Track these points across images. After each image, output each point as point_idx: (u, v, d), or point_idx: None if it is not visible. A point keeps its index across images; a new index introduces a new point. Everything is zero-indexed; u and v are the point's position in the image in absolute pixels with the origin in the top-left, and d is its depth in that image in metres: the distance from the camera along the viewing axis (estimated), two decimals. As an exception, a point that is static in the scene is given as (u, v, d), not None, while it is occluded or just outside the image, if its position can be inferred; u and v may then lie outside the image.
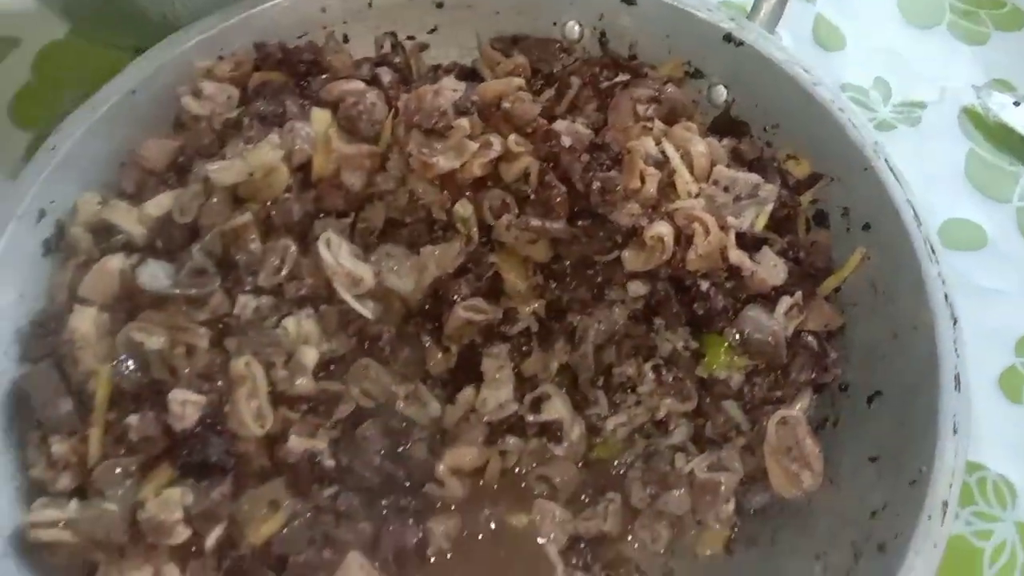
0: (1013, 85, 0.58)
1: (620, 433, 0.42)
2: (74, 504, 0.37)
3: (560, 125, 0.43)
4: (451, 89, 0.42)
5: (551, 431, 0.42)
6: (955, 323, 0.36)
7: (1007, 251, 0.52)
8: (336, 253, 0.40)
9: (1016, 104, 0.56)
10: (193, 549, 0.37)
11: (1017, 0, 0.63)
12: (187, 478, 0.37)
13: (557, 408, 0.42)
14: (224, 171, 0.39)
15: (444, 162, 0.39)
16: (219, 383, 0.39)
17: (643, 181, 0.40)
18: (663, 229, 0.38)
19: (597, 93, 0.47)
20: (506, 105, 0.43)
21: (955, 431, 0.34)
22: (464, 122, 0.40)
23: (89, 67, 0.60)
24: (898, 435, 0.36)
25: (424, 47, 0.51)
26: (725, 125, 0.46)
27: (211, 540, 0.37)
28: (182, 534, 0.36)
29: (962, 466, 0.34)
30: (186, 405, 0.37)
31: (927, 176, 0.53)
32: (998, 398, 0.47)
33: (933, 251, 0.37)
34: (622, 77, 0.46)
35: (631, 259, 0.40)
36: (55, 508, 0.37)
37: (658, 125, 0.43)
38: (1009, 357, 0.48)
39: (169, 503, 0.36)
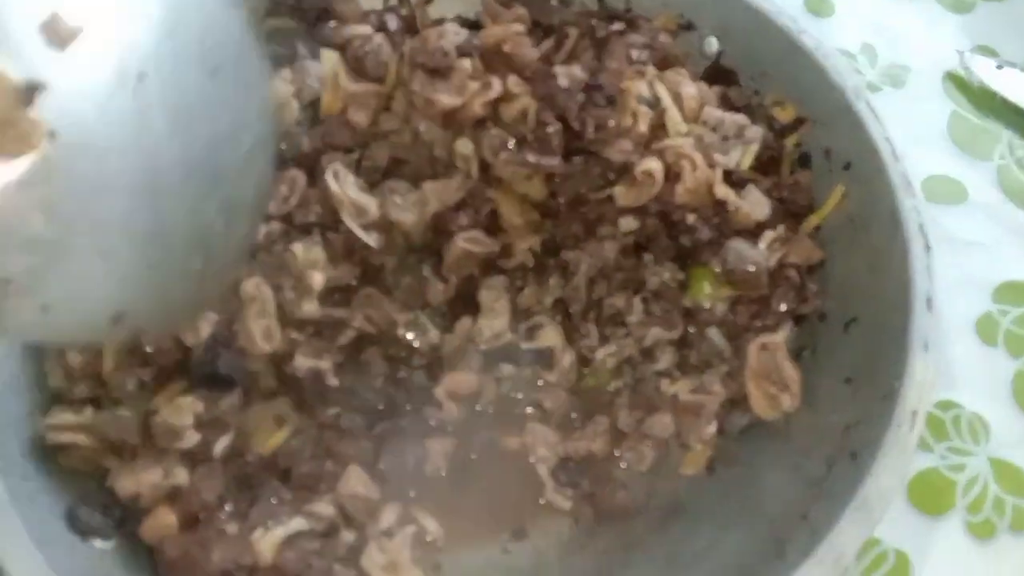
0: (996, 51, 0.60)
1: (609, 363, 0.44)
2: (90, 410, 0.39)
3: (559, 68, 0.45)
4: (454, 32, 0.44)
5: (544, 359, 0.44)
6: (928, 250, 0.38)
7: (986, 205, 0.54)
8: (343, 184, 0.42)
9: (999, 68, 0.58)
10: (202, 456, 0.39)
11: (1003, -28, 0.65)
12: (198, 389, 0.39)
13: (550, 337, 0.44)
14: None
15: (446, 99, 0.41)
16: (230, 303, 0.41)
17: (635, 119, 0.42)
18: (653, 165, 0.40)
19: (594, 42, 0.49)
20: (506, 48, 0.45)
21: (926, 348, 0.36)
22: (466, 62, 0.42)
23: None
24: (872, 356, 0.38)
25: (429, 1, 0.53)
26: (715, 74, 0.48)
27: (219, 447, 0.39)
28: (192, 439, 0.38)
29: (932, 381, 0.36)
30: (198, 321, 0.39)
31: (911, 136, 0.54)
32: (975, 342, 0.49)
33: (909, 184, 0.39)
34: (617, 26, 0.48)
35: (622, 194, 0.42)
36: (72, 413, 0.39)
37: (651, 70, 0.45)
38: (986, 304, 0.50)
39: (181, 410, 0.38)
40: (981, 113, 0.57)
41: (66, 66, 0.24)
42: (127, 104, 0.25)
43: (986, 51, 0.60)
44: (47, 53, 0.23)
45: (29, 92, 0.22)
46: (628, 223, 0.42)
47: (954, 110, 0.57)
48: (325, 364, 0.41)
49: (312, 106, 0.44)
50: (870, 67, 0.59)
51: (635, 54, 0.45)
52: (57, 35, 0.23)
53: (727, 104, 0.46)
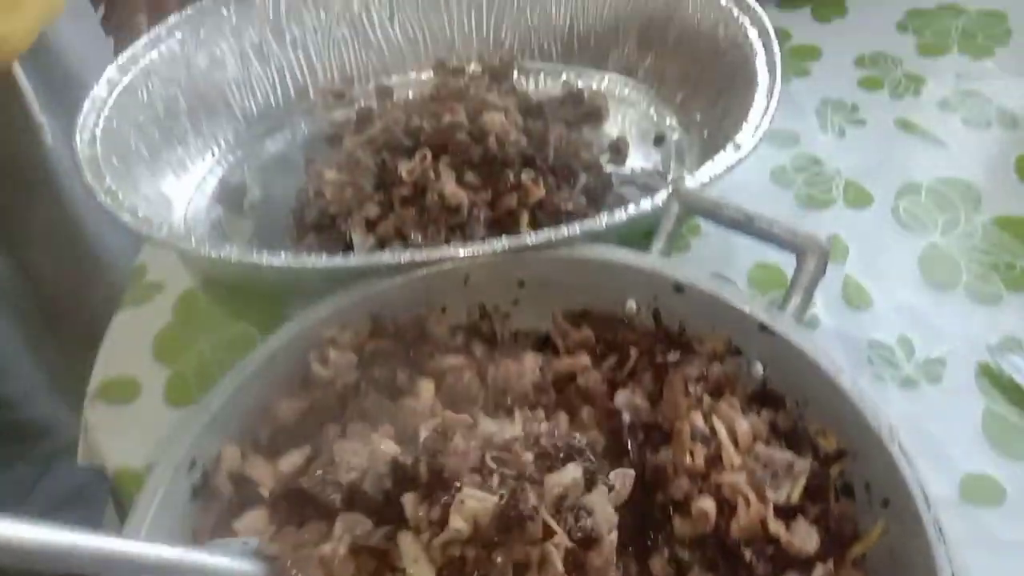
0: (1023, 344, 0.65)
1: None
2: None
3: (620, 400, 0.52)
4: (531, 370, 0.51)
5: None
6: (960, 602, 0.42)
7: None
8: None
9: (1027, 364, 0.63)
10: None
11: (1026, 264, 0.71)
12: None
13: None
14: (349, 454, 0.48)
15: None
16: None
17: (692, 456, 0.48)
18: (707, 504, 0.46)
19: (652, 364, 0.56)
20: (579, 381, 0.52)
21: None
22: (540, 414, 0.49)
23: (220, 311, 0.72)
24: None
25: (507, 316, 0.61)
26: (763, 397, 0.54)
27: None
28: None
29: None
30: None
31: (948, 432, 0.60)
32: (1018, 649, 0.52)
33: (940, 532, 0.44)
34: (673, 356, 0.55)
35: (680, 526, 0.47)
36: None
37: (706, 399, 0.52)
38: (1028, 609, 0.53)
39: None
40: (1013, 409, 0.62)
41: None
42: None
43: (1014, 343, 0.65)
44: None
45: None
46: (684, 553, 0.47)
47: (987, 406, 0.62)
48: None
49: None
50: (907, 361, 0.65)
51: (691, 388, 0.52)
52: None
53: (774, 430, 0.52)
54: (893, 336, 0.66)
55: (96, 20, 0.97)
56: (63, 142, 0.85)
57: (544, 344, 0.59)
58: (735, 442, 0.49)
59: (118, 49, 0.80)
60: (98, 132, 0.70)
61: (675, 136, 0.82)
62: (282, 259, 0.59)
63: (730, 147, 0.66)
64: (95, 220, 0.93)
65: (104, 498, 1.05)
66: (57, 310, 0.94)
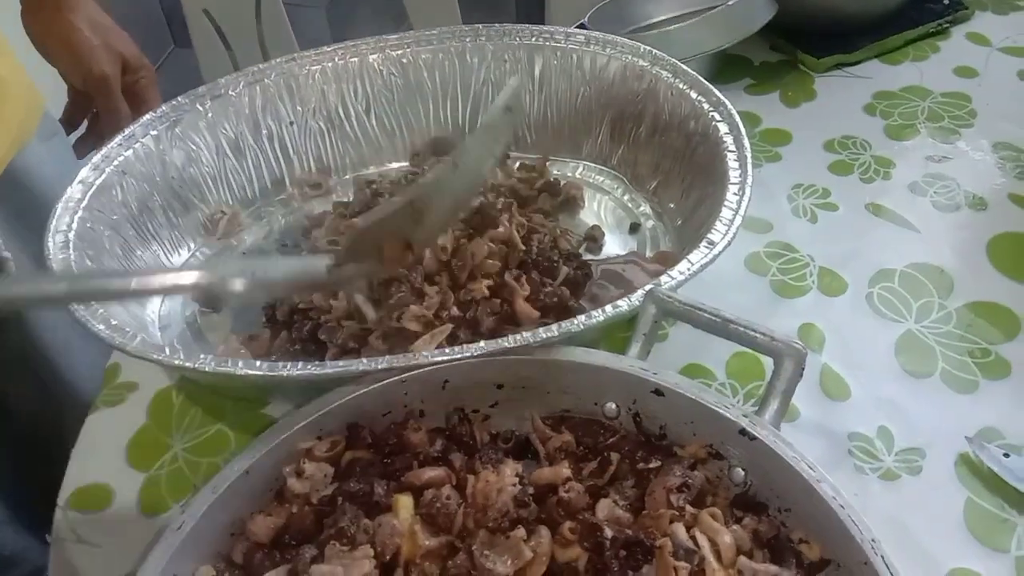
0: (1002, 434, 0.65)
1: None
2: None
3: (602, 511, 0.51)
4: (511, 483, 0.51)
5: None
6: None
7: (1010, 603, 0.57)
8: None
9: (1006, 455, 0.63)
10: None
11: (1000, 349, 0.71)
12: None
13: None
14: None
15: (502, 569, 0.47)
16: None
17: (676, 573, 0.47)
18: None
19: (634, 470, 0.56)
20: (562, 495, 0.52)
21: None
22: (521, 532, 0.48)
23: (195, 411, 0.71)
24: None
25: (486, 418, 0.61)
26: (746, 503, 0.54)
27: None
28: None
29: None
30: None
31: (930, 526, 0.60)
32: None
33: (927, 647, 0.43)
34: (655, 463, 0.54)
35: None
36: None
37: (688, 510, 0.51)
38: None
39: None
40: (995, 499, 0.62)
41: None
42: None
43: (992, 434, 0.65)
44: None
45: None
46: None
47: (968, 497, 0.62)
48: None
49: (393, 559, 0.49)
50: (887, 452, 0.65)
51: (673, 498, 0.51)
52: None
53: (757, 538, 0.51)
54: (872, 427, 0.66)
55: (65, 140, 0.96)
56: (31, 265, 0.84)
57: (524, 448, 0.59)
58: (718, 557, 0.48)
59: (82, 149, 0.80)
60: (71, 236, 0.70)
61: (649, 224, 0.83)
62: (258, 369, 0.58)
63: (704, 245, 0.66)
64: (62, 343, 0.91)
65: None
66: (24, 439, 0.91)
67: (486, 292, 0.70)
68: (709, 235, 0.66)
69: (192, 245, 0.83)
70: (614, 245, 0.82)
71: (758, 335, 0.55)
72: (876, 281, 0.78)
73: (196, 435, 0.69)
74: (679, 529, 0.49)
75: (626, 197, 0.86)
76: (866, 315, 0.75)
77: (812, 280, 0.78)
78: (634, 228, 0.82)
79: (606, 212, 0.85)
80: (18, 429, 0.91)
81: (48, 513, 0.65)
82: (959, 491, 0.62)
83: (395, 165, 0.91)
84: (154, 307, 0.77)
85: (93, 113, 0.96)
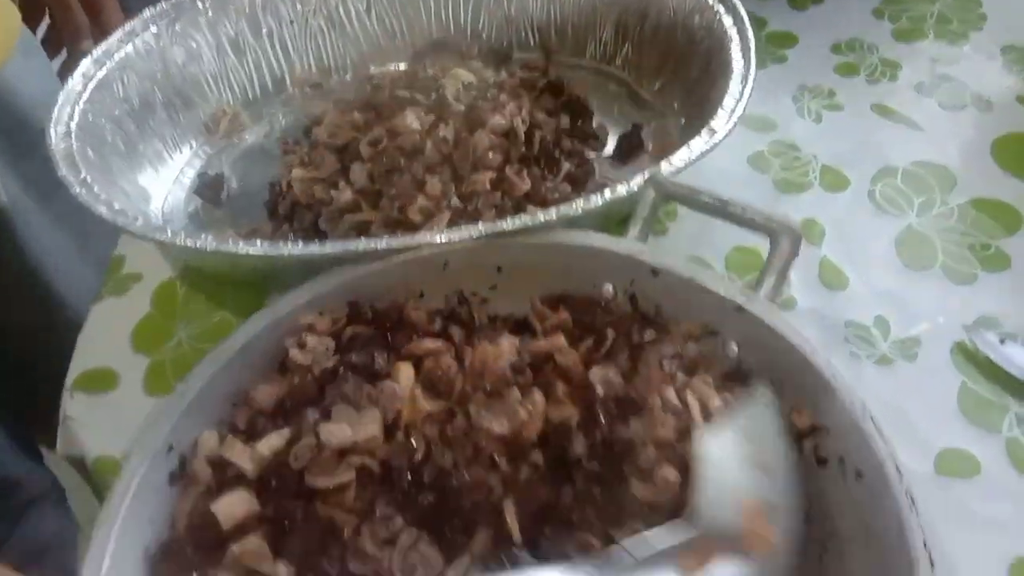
0: (999, 323, 0.66)
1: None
2: None
3: (595, 375, 0.52)
4: (508, 351, 0.52)
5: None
6: (932, 566, 0.43)
7: (998, 479, 0.58)
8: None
9: (1002, 342, 0.63)
10: None
11: (1001, 244, 0.71)
12: None
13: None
14: (336, 435, 0.48)
15: (499, 428, 0.48)
16: None
17: (663, 426, 0.48)
18: (670, 473, 0.46)
19: (629, 345, 0.56)
20: (557, 359, 0.53)
21: (934, 664, 0.40)
22: (516, 394, 0.49)
23: (199, 300, 0.72)
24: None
25: (485, 300, 0.61)
26: (737, 377, 0.54)
27: None
28: None
29: None
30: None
31: (924, 409, 0.61)
32: (995, 621, 0.53)
33: (912, 502, 0.44)
34: (650, 335, 0.55)
35: (640, 488, 0.47)
36: None
37: (679, 377, 0.52)
38: (1003, 581, 0.54)
39: None
40: (989, 385, 0.62)
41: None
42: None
43: (990, 322, 0.66)
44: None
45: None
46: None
47: (963, 382, 0.62)
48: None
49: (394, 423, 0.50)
50: (883, 340, 0.65)
51: (666, 364, 0.52)
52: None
53: (749, 408, 0.52)
54: (869, 316, 0.67)
55: (47, 60, 0.94)
56: (20, 187, 0.84)
57: (522, 328, 0.59)
58: (707, 417, 0.49)
59: (64, 74, 0.78)
60: (73, 126, 0.70)
61: (653, 124, 0.82)
62: (259, 248, 0.59)
63: (705, 132, 0.66)
64: (59, 266, 0.92)
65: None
66: (22, 364, 0.92)
67: (488, 185, 0.70)
68: (711, 123, 0.66)
69: (194, 144, 0.83)
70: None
71: (755, 215, 0.55)
72: (879, 178, 0.77)
73: (200, 323, 0.70)
74: (669, 391, 0.50)
75: (630, 97, 0.85)
76: (867, 211, 0.75)
77: (814, 177, 0.78)
78: (637, 128, 0.82)
79: (609, 112, 0.84)
80: (16, 354, 0.92)
81: (48, 437, 0.66)
82: (954, 377, 0.63)
83: (396, 65, 0.90)
84: (158, 203, 0.78)
85: (50, 26, 0.94)
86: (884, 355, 0.64)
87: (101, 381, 0.67)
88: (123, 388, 0.66)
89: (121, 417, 0.64)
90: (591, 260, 0.59)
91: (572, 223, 0.61)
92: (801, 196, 0.76)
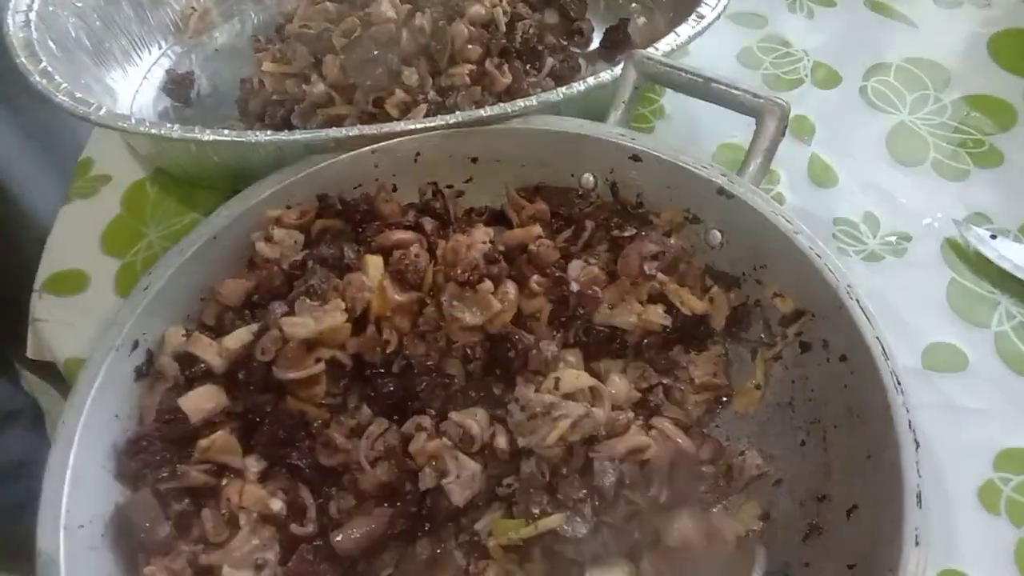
0: (990, 218, 0.64)
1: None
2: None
3: (572, 270, 0.51)
4: (481, 241, 0.50)
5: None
6: (917, 447, 0.41)
7: (986, 373, 0.56)
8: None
9: (993, 237, 0.62)
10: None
11: (995, 140, 0.69)
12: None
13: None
14: (299, 327, 0.47)
15: (471, 319, 0.47)
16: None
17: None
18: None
19: (608, 236, 0.55)
20: (532, 248, 0.51)
21: (917, 543, 0.39)
22: (488, 285, 0.47)
23: (169, 201, 0.69)
24: (871, 545, 0.41)
25: (460, 194, 0.59)
26: (718, 277, 0.53)
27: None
28: None
29: (923, 574, 0.39)
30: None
31: (912, 304, 0.59)
32: (977, 510, 0.52)
33: (899, 382, 0.43)
34: (630, 231, 0.53)
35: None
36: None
37: (660, 277, 0.51)
38: (987, 471, 0.52)
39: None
40: (979, 280, 0.61)
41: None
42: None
43: (981, 218, 0.64)
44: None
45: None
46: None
47: (953, 278, 0.61)
48: None
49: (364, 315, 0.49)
50: (872, 236, 0.63)
51: (646, 267, 0.50)
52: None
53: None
54: (859, 213, 0.65)
55: None
56: None
57: (498, 219, 0.58)
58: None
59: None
60: (32, 16, 0.67)
61: (640, 20, 0.79)
62: (226, 135, 0.56)
63: (692, 19, 0.63)
64: (21, 178, 0.89)
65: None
66: None
67: (467, 79, 0.67)
68: (698, 9, 0.63)
69: (163, 44, 0.80)
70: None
71: (739, 92, 0.53)
72: (871, 75, 0.75)
73: (171, 224, 0.68)
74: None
75: (616, -10, 0.82)
76: (859, 107, 0.73)
77: (805, 74, 0.75)
78: (624, 23, 0.78)
79: (595, 7, 0.81)
80: None
81: (17, 354, 0.64)
82: (943, 272, 0.62)
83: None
84: (125, 102, 0.75)
85: None
86: (873, 251, 0.63)
87: (71, 283, 0.65)
88: (93, 289, 0.64)
89: (92, 319, 0.62)
90: (570, 147, 0.57)
91: (553, 112, 0.58)
92: (791, 93, 0.74)
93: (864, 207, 0.65)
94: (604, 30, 0.77)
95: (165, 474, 0.46)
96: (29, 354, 0.64)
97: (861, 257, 0.62)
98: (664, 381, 0.50)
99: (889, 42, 0.78)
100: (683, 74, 0.54)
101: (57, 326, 0.63)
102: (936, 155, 0.69)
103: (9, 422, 0.99)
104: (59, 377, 0.62)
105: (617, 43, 0.76)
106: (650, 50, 0.60)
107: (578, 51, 0.76)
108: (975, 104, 0.72)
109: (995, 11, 0.81)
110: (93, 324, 0.61)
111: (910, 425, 0.42)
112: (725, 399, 0.51)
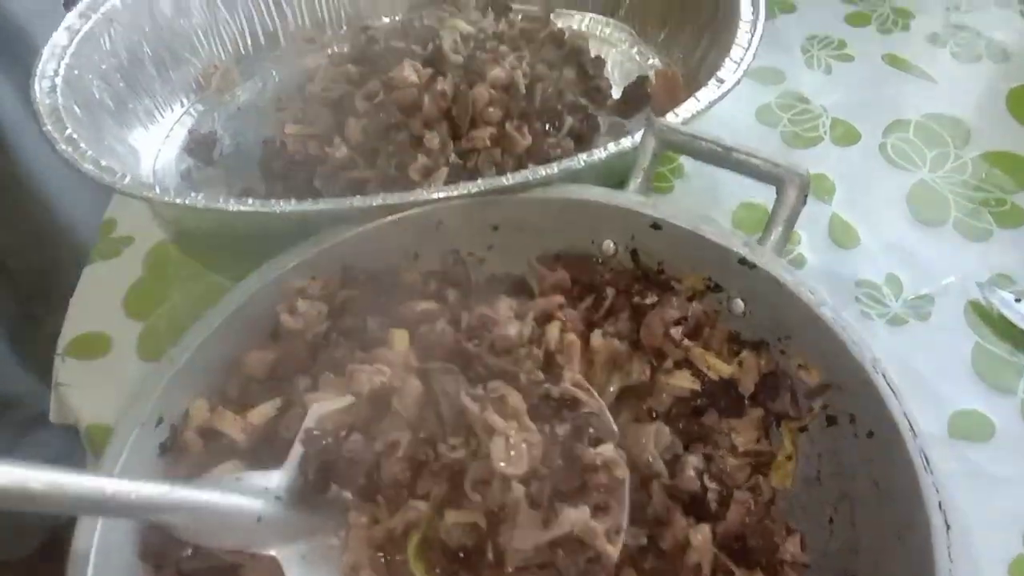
0: (1014, 280, 0.64)
1: None
2: None
3: (594, 340, 0.50)
4: (506, 315, 0.50)
5: None
6: (948, 529, 0.41)
7: (1014, 441, 0.56)
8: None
9: (1017, 300, 0.61)
10: None
11: (1016, 199, 0.69)
12: None
13: None
14: (322, 407, 0.47)
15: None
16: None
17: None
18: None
19: (630, 304, 0.54)
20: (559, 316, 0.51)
21: (951, 625, 0.39)
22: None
23: (192, 264, 0.70)
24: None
25: (482, 260, 0.59)
26: (744, 341, 0.53)
27: None
28: None
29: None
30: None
31: (937, 368, 0.59)
32: (1009, 585, 0.51)
33: (927, 461, 0.42)
34: (652, 298, 0.53)
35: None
36: None
37: (685, 343, 0.51)
38: (1018, 546, 0.52)
39: None
40: (1003, 344, 0.60)
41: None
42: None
43: (1004, 280, 0.64)
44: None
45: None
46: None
47: (977, 342, 0.61)
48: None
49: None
50: (895, 299, 0.63)
51: (671, 332, 0.50)
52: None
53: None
54: (881, 274, 0.65)
55: None
56: (19, 101, 0.82)
57: (520, 288, 0.58)
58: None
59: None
60: (58, 81, 0.68)
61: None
62: (250, 205, 0.57)
63: (712, 83, 0.63)
64: (57, 192, 0.90)
65: (82, 459, 1.04)
66: (20, 280, 0.91)
67: (488, 142, 0.68)
68: (718, 73, 0.64)
69: (185, 101, 0.81)
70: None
71: (760, 161, 0.53)
72: (890, 131, 0.75)
73: (193, 288, 0.68)
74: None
75: (634, 50, 0.83)
76: (879, 165, 0.73)
77: (824, 131, 0.76)
78: (641, 81, 0.79)
79: (612, 65, 0.82)
80: (16, 278, 0.91)
81: (48, 360, 0.65)
82: (968, 336, 0.61)
83: (392, 18, 0.87)
84: (148, 163, 0.76)
85: None
86: (896, 314, 0.62)
87: (93, 346, 0.65)
88: (115, 353, 0.65)
89: (114, 383, 0.62)
90: (590, 215, 0.57)
91: (574, 179, 0.58)
92: (810, 150, 0.74)
93: (887, 269, 0.65)
94: (623, 88, 0.77)
95: (188, 553, 0.46)
96: (52, 419, 0.65)
97: (885, 320, 0.62)
98: (705, 451, 0.49)
99: (907, 98, 0.78)
100: (703, 143, 0.54)
101: (79, 390, 0.63)
102: (958, 214, 0.68)
103: (41, 420, 0.99)
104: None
105: (636, 101, 0.76)
106: (669, 116, 0.61)
107: (596, 112, 0.76)
108: (995, 161, 0.72)
109: (1013, 64, 0.81)
110: (115, 389, 0.61)
111: (940, 506, 0.42)
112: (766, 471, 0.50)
